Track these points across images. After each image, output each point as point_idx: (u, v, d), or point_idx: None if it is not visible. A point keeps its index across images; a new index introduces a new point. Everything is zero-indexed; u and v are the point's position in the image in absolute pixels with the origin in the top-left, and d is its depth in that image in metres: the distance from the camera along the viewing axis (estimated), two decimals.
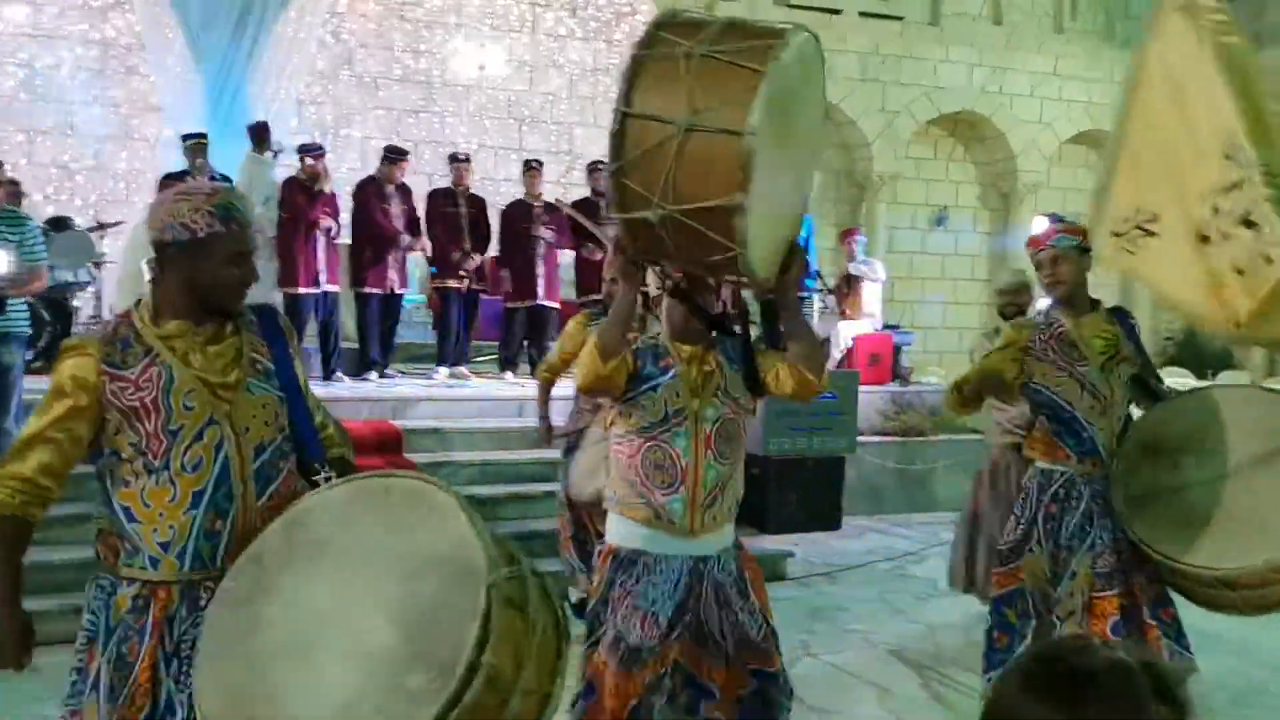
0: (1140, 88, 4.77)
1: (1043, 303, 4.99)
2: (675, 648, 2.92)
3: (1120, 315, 4.02)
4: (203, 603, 2.28)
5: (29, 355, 8.10)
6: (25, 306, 5.92)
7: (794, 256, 2.80)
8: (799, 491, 8.14)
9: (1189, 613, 3.97)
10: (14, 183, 9.42)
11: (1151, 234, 4.71)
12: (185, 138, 8.81)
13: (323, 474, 2.42)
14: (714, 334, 3.08)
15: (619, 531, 3.06)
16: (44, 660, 2.36)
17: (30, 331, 5.97)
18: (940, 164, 15.02)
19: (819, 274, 10.24)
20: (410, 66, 12.82)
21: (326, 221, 8.53)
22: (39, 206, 11.16)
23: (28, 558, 2.37)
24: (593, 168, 9.83)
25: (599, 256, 8.56)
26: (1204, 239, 4.27)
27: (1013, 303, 6.07)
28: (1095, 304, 4.01)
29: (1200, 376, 12.44)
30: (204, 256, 2.34)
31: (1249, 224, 4.46)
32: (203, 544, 2.30)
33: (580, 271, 9.51)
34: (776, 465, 8.04)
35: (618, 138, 2.48)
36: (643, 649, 2.90)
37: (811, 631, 5.80)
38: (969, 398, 4.05)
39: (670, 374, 2.99)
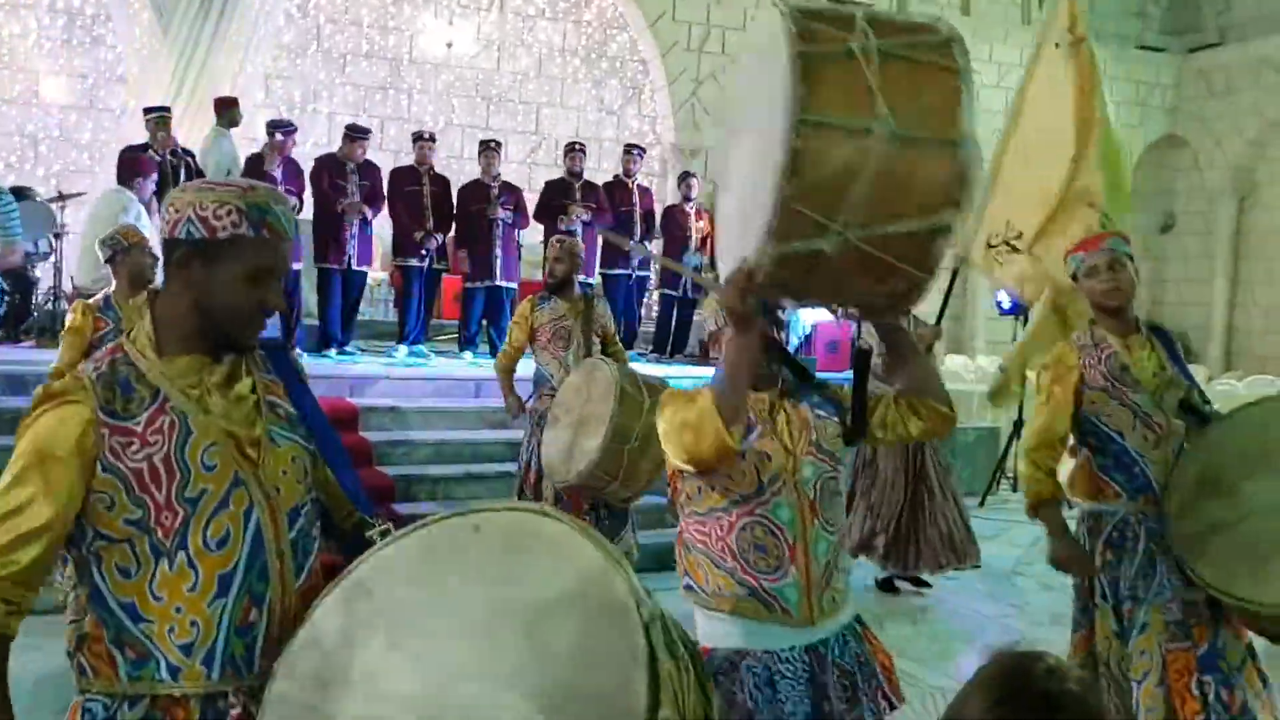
0: (1019, 117, 5.38)
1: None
2: None
3: (1160, 334, 3.58)
4: (229, 718, 1.81)
5: None
6: None
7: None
8: None
9: None
10: None
11: (1016, 249, 5.32)
12: (148, 111, 8.77)
13: (378, 528, 1.93)
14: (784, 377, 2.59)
15: (711, 632, 2.49)
16: None
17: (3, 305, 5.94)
18: None
19: None
20: (378, 43, 12.79)
21: (290, 199, 8.52)
22: (1, 176, 11.11)
23: None
24: (570, 148, 9.90)
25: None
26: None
27: None
28: (1138, 322, 3.57)
29: None
30: (218, 264, 1.81)
31: None
32: (235, 642, 1.80)
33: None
34: None
35: (796, 154, 1.97)
36: None
37: None
38: (1048, 472, 3.50)
39: (755, 432, 2.45)
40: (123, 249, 4.77)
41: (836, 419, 2.55)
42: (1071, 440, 3.57)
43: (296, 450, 1.92)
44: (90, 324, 4.65)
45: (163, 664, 1.78)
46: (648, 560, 5.41)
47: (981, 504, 9.06)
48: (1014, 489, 9.56)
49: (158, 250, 2.64)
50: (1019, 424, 9.54)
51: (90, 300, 4.80)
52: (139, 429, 1.77)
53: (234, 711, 1.80)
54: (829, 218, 2.01)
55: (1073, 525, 3.59)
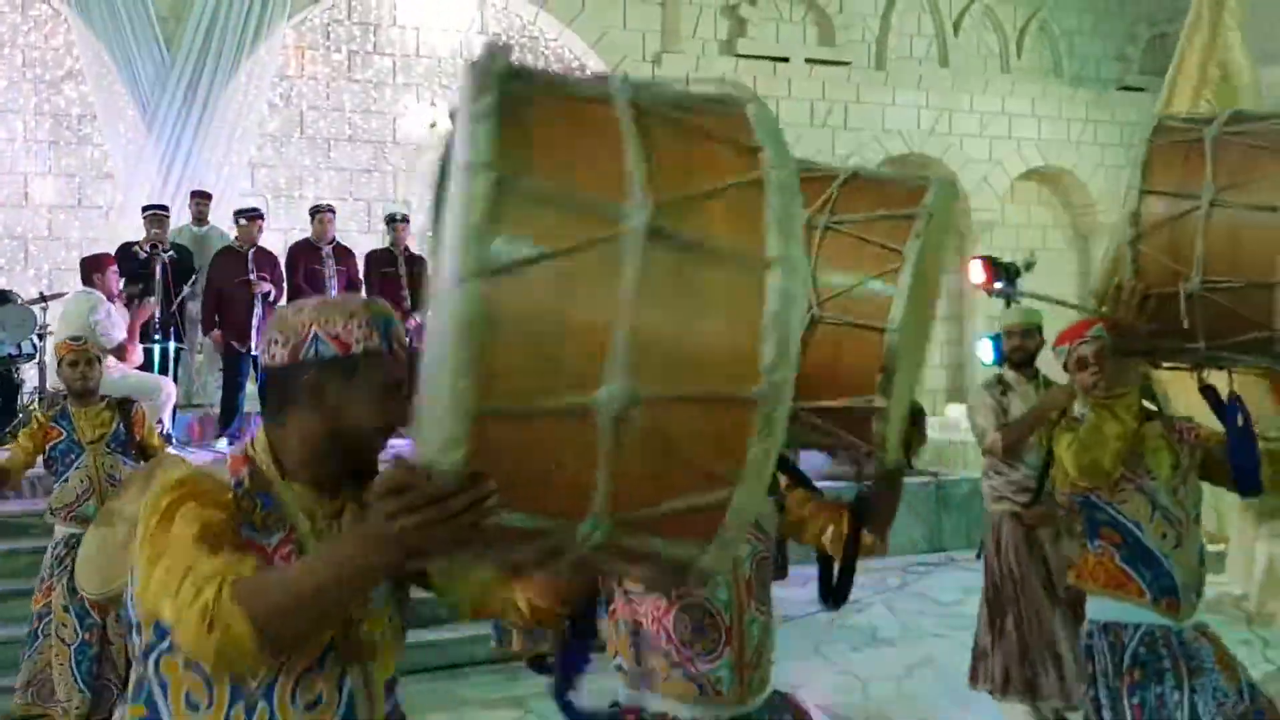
0: None
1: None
2: None
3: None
4: None
5: None
6: None
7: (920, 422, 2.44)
8: None
9: None
10: None
11: None
12: (146, 209, 8.91)
13: None
14: None
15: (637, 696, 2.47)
16: None
17: None
18: None
19: None
20: (361, 127, 12.94)
21: (263, 286, 8.60)
22: None
23: None
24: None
25: None
26: None
27: (1021, 346, 5.23)
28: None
29: None
30: (356, 383, 1.65)
31: None
32: None
33: None
34: None
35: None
36: None
37: None
38: None
39: None
40: (69, 363, 4.76)
41: (773, 499, 2.55)
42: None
43: (391, 610, 1.74)
44: (43, 435, 4.67)
45: None
46: None
47: None
48: None
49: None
50: None
51: (49, 412, 4.82)
52: (270, 550, 1.59)
53: None
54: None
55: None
